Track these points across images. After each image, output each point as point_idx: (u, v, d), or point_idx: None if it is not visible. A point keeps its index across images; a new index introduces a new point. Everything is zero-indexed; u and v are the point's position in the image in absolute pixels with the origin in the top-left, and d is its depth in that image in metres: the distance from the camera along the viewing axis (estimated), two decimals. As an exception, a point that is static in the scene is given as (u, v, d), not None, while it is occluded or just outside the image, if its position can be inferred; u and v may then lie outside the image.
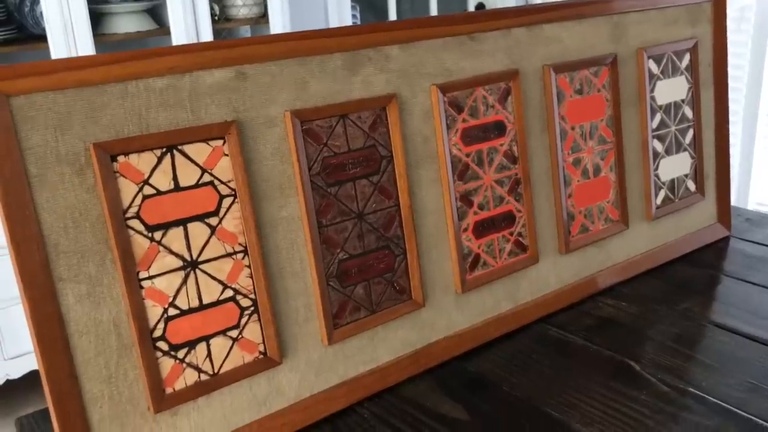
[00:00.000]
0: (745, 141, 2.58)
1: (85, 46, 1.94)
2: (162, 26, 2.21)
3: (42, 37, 1.95)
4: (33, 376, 2.02)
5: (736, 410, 0.66)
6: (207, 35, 2.14)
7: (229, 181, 0.62)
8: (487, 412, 0.69)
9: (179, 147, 0.60)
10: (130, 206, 0.58)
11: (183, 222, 0.60)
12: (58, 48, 1.91)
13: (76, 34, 1.93)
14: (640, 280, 0.95)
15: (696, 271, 0.96)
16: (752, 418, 0.65)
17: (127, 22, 2.13)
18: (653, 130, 0.96)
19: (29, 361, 2.04)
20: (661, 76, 0.96)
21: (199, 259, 0.61)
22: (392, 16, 2.92)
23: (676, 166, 1.00)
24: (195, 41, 2.07)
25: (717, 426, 0.64)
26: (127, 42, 2.16)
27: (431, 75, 0.75)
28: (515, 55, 0.81)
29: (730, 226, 1.07)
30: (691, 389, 0.70)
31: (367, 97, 0.70)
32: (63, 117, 0.55)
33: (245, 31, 2.52)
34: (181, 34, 2.10)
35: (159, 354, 0.60)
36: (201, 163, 0.61)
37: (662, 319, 0.84)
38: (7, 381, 2.06)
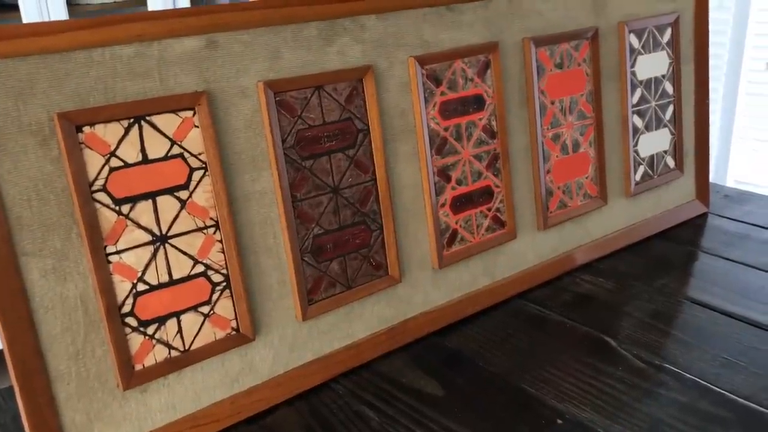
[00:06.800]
0: (725, 119, 2.59)
1: (59, 17, 1.89)
2: (138, -3, 2.16)
3: (14, 7, 1.90)
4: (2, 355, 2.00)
5: (710, 386, 0.66)
6: (184, 6, 2.10)
7: (199, 154, 0.61)
8: (462, 387, 0.69)
9: (147, 118, 0.58)
10: (96, 179, 0.56)
11: (152, 195, 0.59)
12: (31, 18, 1.86)
13: (50, 3, 1.88)
14: (617, 256, 0.94)
15: (674, 248, 0.96)
16: (726, 393, 0.65)
17: (102, -7, 2.08)
18: (633, 106, 0.95)
19: None
20: (642, 51, 0.95)
21: (169, 234, 0.60)
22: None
23: (655, 142, 0.99)
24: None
25: (692, 401, 0.64)
26: (103, 12, 2.11)
27: (409, 46, 0.73)
28: (495, 27, 0.80)
29: (709, 202, 1.07)
30: (666, 365, 0.70)
31: (343, 68, 0.69)
32: (25, 85, 0.53)
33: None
34: (157, 4, 2.05)
35: (128, 330, 0.59)
36: (170, 135, 0.59)
37: (639, 296, 0.84)
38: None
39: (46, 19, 1.88)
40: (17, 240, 0.53)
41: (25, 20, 1.86)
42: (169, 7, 2.07)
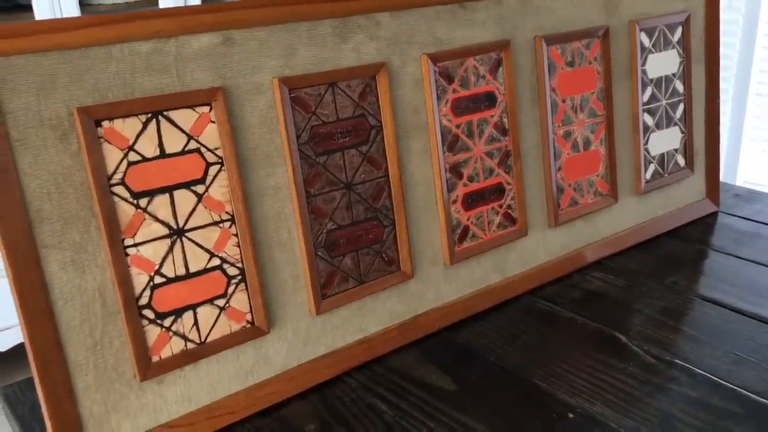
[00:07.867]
0: (734, 120, 2.59)
1: (73, 16, 1.91)
2: (150, -4, 2.17)
3: (28, 7, 1.91)
4: (22, 348, 2.01)
5: (721, 381, 0.67)
6: (195, 3, 2.11)
7: (215, 149, 0.62)
8: (474, 382, 0.69)
9: (165, 113, 0.59)
10: (114, 172, 0.57)
11: (169, 189, 0.60)
12: (44, 17, 1.87)
13: (63, 4, 1.90)
14: (628, 254, 0.95)
15: (684, 246, 0.96)
16: (737, 388, 0.65)
17: (114, -8, 2.09)
18: (644, 104, 0.96)
19: (18, 334, 2.02)
20: (653, 50, 0.95)
21: (186, 227, 0.61)
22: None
23: (666, 141, 1.00)
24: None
25: (703, 396, 0.65)
26: (115, 12, 2.12)
27: (422, 44, 0.74)
28: (507, 25, 0.80)
29: (719, 201, 1.08)
30: (677, 361, 0.70)
31: (357, 65, 0.69)
32: (46, 80, 0.54)
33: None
34: (169, 3, 2.06)
35: (145, 322, 0.59)
36: (187, 130, 0.60)
37: (650, 293, 0.84)
38: (-5, 354, 2.05)
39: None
40: (37, 233, 0.54)
41: (38, 19, 1.87)
42: (181, 3, 2.08)
